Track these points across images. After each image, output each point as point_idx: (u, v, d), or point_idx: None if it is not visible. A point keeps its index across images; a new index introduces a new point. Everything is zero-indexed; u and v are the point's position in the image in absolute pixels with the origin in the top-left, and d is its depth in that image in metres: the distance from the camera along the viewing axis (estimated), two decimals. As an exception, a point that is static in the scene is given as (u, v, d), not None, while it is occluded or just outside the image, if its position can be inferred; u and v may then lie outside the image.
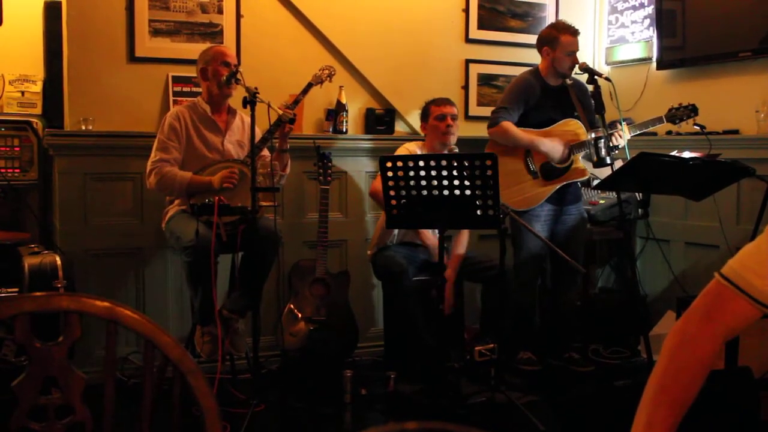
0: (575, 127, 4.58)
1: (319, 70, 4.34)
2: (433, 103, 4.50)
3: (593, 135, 4.41)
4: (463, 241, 4.52)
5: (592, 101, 4.45)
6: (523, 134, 4.49)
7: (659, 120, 4.42)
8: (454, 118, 4.44)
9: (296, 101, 4.23)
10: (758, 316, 1.49)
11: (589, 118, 4.56)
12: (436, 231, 4.22)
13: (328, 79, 4.35)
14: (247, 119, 4.22)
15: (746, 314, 1.49)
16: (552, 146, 4.49)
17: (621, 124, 4.45)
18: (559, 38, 4.52)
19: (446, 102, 4.48)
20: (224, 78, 3.97)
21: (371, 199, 4.86)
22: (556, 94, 4.62)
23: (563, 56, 4.51)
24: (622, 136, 4.42)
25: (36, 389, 1.39)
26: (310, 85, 4.29)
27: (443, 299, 3.94)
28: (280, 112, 3.86)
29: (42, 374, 1.39)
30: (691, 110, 4.41)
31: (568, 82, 4.59)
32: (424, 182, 3.43)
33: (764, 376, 3.26)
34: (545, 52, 4.59)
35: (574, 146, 4.53)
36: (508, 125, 4.47)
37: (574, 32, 4.53)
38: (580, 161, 4.61)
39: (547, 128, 4.56)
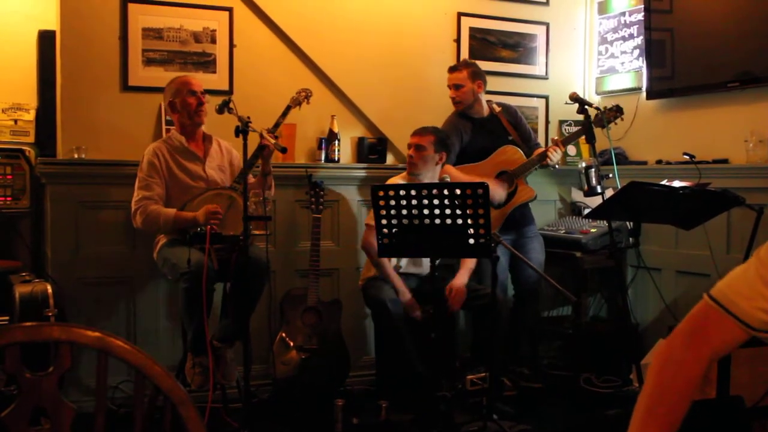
0: (512, 153, 4.73)
1: (296, 93, 4.39)
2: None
3: (583, 164, 4.45)
4: (468, 262, 4.54)
5: (524, 121, 4.90)
6: (459, 177, 4.57)
7: (589, 126, 4.46)
8: (419, 148, 4.43)
9: (276, 124, 4.26)
10: (744, 338, 1.50)
11: (524, 138, 4.82)
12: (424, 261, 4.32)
13: (306, 100, 4.39)
14: (224, 143, 4.30)
15: (732, 335, 1.50)
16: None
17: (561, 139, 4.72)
18: None
19: (417, 131, 4.49)
20: (216, 108, 3.97)
21: (363, 229, 4.87)
22: (487, 124, 4.81)
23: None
24: (556, 151, 4.60)
25: (25, 420, 1.38)
26: (288, 108, 4.34)
27: (434, 327, 3.92)
28: (273, 141, 3.87)
29: (31, 405, 1.38)
30: (617, 110, 4.59)
31: (497, 109, 4.83)
32: (415, 211, 3.45)
33: (756, 405, 3.27)
34: None
35: (515, 171, 4.67)
36: (447, 168, 4.60)
37: (449, 68, 4.83)
38: (525, 183, 4.76)
39: (485, 160, 4.73)
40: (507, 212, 4.68)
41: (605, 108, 4.63)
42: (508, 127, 4.79)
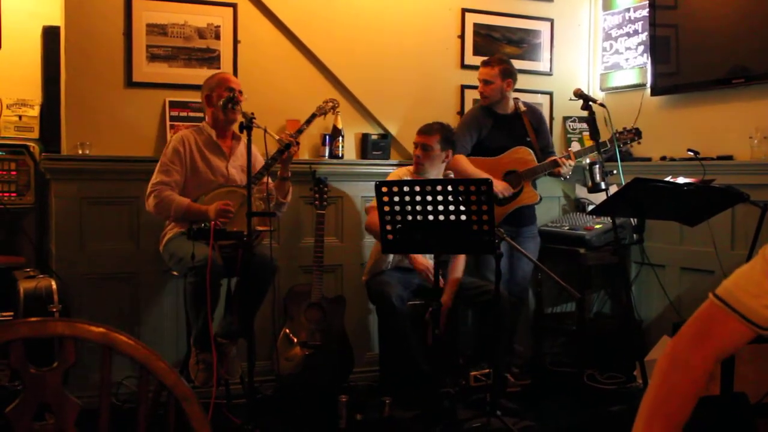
0: (524, 154, 4.74)
1: (323, 102, 4.45)
2: (418, 129, 4.52)
3: (588, 161, 4.49)
4: (459, 265, 4.51)
5: (548, 126, 4.94)
6: (469, 169, 4.64)
7: (603, 144, 4.46)
8: (425, 148, 4.42)
9: (300, 130, 4.29)
10: (750, 337, 1.50)
11: (542, 143, 4.83)
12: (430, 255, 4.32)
13: (332, 111, 4.47)
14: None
15: (738, 334, 1.49)
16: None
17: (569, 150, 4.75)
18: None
19: (423, 131, 4.47)
20: (221, 102, 3.98)
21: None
22: (510, 121, 4.81)
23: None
24: (568, 162, 4.62)
25: (30, 415, 1.38)
26: (314, 116, 4.40)
27: (437, 323, 3.92)
28: (277, 137, 3.88)
29: (36, 400, 1.39)
30: (635, 133, 4.65)
31: (522, 108, 4.82)
32: (419, 207, 3.44)
33: (760, 402, 3.26)
34: None
35: (524, 173, 4.69)
36: (459, 158, 4.62)
37: (483, 62, 4.82)
38: (531, 187, 4.77)
39: (497, 157, 4.75)
40: (506, 212, 4.68)
41: (624, 128, 4.66)
42: (528, 129, 4.79)
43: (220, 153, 4.20)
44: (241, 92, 4.15)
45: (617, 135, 4.55)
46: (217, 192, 4.03)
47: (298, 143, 4.17)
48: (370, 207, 4.52)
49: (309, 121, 4.37)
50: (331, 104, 4.45)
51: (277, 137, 3.90)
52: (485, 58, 4.84)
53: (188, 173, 4.10)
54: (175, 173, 4.04)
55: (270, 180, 4.08)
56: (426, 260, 4.41)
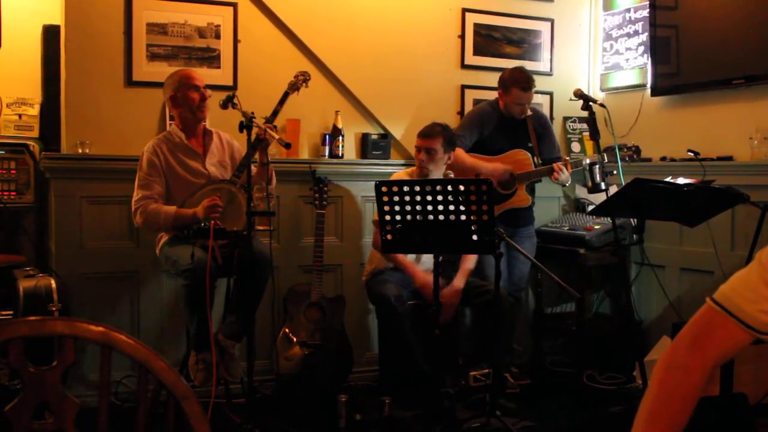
0: (523, 157, 4.75)
1: (294, 77, 4.31)
2: (419, 132, 4.50)
3: (587, 161, 4.50)
4: (471, 257, 4.53)
5: (552, 133, 4.96)
6: (468, 159, 4.68)
7: (601, 158, 4.46)
8: (429, 151, 4.40)
9: (275, 112, 4.16)
10: (748, 341, 1.51)
11: (546, 153, 4.84)
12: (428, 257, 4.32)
13: (304, 84, 4.30)
14: (225, 135, 4.28)
15: (736, 339, 1.50)
16: (492, 168, 4.65)
17: (569, 158, 4.82)
18: (510, 89, 4.71)
19: (426, 134, 4.44)
20: (220, 104, 3.95)
21: (367, 225, 4.92)
22: (514, 124, 4.80)
23: (512, 105, 4.72)
24: (563, 170, 4.61)
25: (29, 414, 1.38)
26: (286, 94, 4.24)
27: (437, 323, 3.91)
28: (277, 137, 3.85)
29: (35, 399, 1.38)
30: (635, 152, 4.71)
31: (528, 113, 4.79)
32: (419, 207, 3.44)
33: (760, 402, 3.26)
34: (499, 93, 4.79)
35: (519, 176, 4.70)
36: (457, 152, 4.61)
37: (524, 87, 4.67)
38: (524, 190, 4.77)
39: (496, 156, 4.76)
40: (497, 212, 4.65)
41: (624, 145, 4.72)
42: (531, 134, 4.79)
43: (195, 154, 4.15)
44: (206, 87, 4.12)
45: (616, 149, 4.54)
46: (202, 192, 3.96)
47: (275, 127, 4.04)
48: (375, 222, 4.48)
49: (282, 101, 4.20)
50: (302, 77, 4.29)
51: (277, 137, 3.88)
52: (524, 82, 4.65)
53: (168, 181, 4.06)
54: (155, 185, 4.00)
55: (253, 168, 4.04)
56: (427, 276, 4.35)
